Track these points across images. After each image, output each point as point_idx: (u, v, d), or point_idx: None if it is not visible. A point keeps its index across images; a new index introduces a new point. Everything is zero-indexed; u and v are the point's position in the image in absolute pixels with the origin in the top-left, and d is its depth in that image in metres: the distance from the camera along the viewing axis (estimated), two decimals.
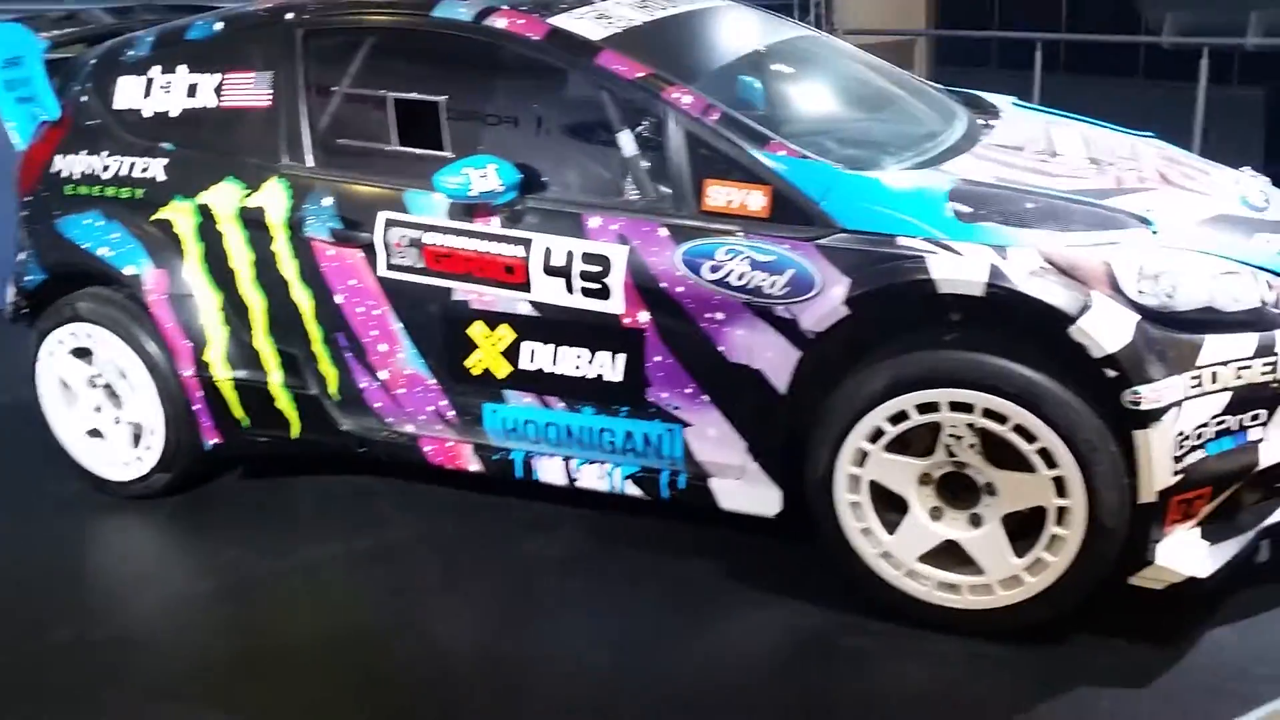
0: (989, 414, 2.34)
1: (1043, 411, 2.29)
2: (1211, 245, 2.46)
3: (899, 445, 2.46)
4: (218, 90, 3.20)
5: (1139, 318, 2.30)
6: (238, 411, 3.28)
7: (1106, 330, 2.24)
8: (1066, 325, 2.25)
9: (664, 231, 2.63)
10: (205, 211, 3.15)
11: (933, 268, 2.36)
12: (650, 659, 2.57)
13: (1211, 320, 2.35)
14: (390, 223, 2.91)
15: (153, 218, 3.23)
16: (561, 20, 2.84)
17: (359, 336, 3.06)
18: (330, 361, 3.15)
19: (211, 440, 3.32)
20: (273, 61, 3.12)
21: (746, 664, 2.57)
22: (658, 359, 2.71)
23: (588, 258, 2.70)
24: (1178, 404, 2.27)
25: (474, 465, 3.08)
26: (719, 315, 2.60)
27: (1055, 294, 2.27)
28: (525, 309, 2.80)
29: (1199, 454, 2.33)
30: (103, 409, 3.40)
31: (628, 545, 3.01)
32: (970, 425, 2.37)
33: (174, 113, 3.27)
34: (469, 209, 2.81)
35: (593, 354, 2.78)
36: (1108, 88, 8.06)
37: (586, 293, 2.72)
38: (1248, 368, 2.35)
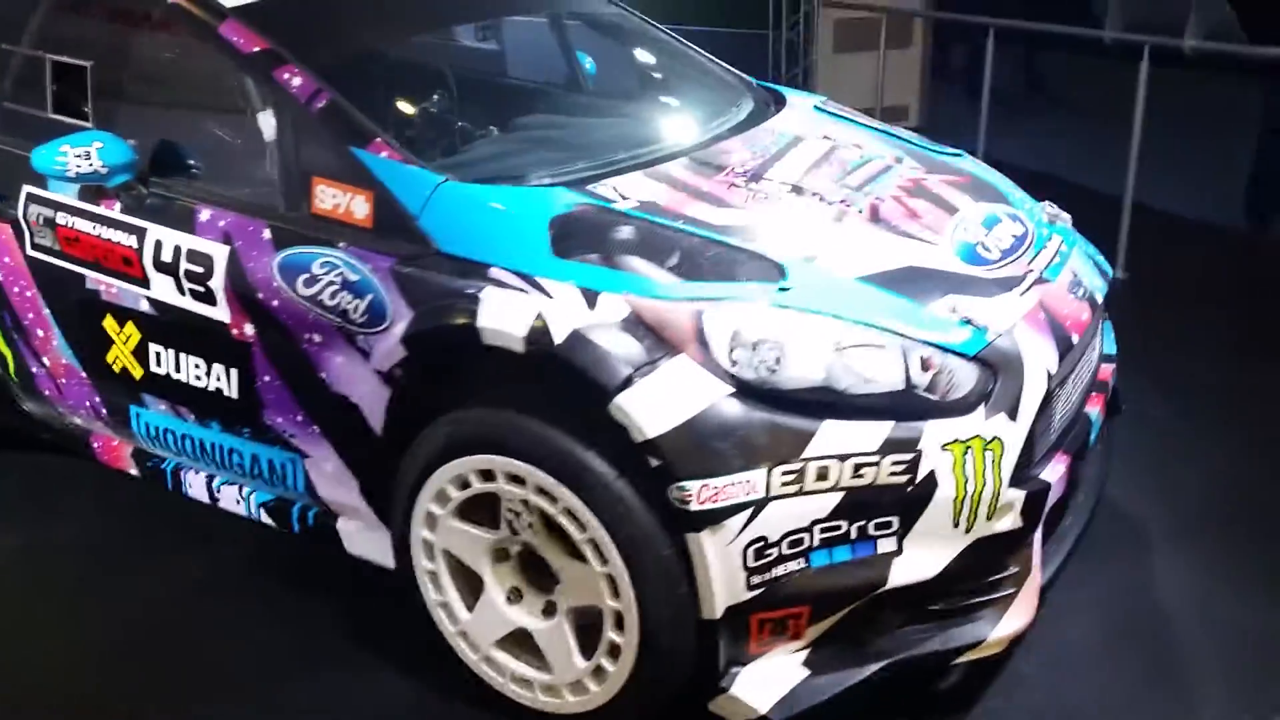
0: (542, 491, 1.95)
1: (587, 497, 1.89)
2: (861, 308, 2.00)
3: (474, 513, 2.09)
4: None
5: (728, 393, 1.86)
6: None
7: (649, 410, 1.81)
8: (605, 400, 1.83)
9: (267, 234, 2.29)
10: None
11: (482, 312, 1.96)
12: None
13: (832, 403, 1.90)
14: (30, 198, 2.64)
15: None
16: None
17: (20, 318, 2.82)
18: (3, 341, 2.92)
19: None
20: None
21: None
22: (267, 379, 2.38)
23: (192, 255, 2.38)
24: (755, 504, 1.84)
25: (133, 469, 2.81)
26: (316, 337, 2.25)
27: (594, 359, 1.85)
28: (146, 306, 2.51)
29: (794, 565, 1.89)
30: None
31: (278, 570, 2.71)
32: (526, 501, 1.98)
33: None
34: (98, 190, 2.52)
35: (208, 365, 2.47)
36: None
37: (195, 295, 2.40)
38: (871, 465, 1.89)
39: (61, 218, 2.59)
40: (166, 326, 2.49)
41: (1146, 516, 2.83)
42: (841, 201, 2.32)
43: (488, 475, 2.02)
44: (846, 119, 2.98)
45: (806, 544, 1.89)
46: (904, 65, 7.34)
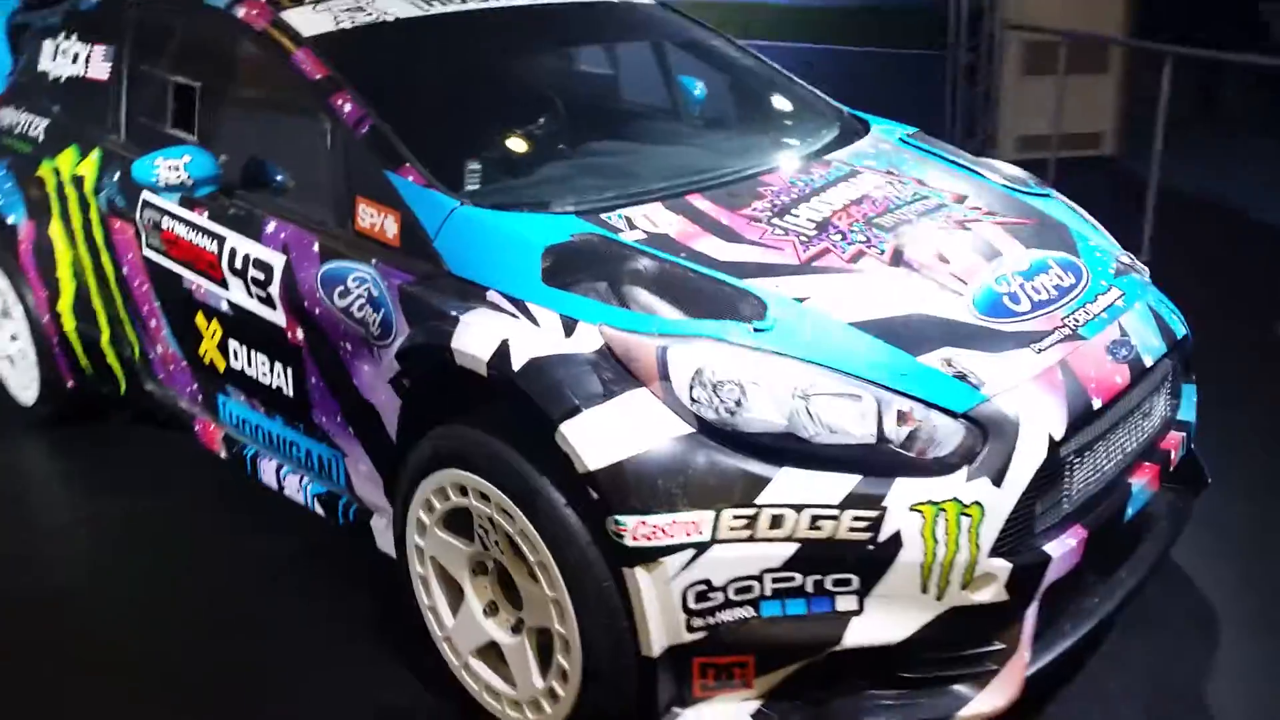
0: (504, 510, 1.99)
1: (537, 521, 1.91)
2: (842, 354, 1.92)
3: (458, 525, 2.16)
4: (87, 60, 3.38)
5: (684, 431, 1.84)
6: (83, 361, 3.50)
7: (591, 442, 1.81)
8: (552, 428, 1.85)
9: (316, 246, 2.46)
10: (57, 173, 3.36)
11: (457, 335, 2.02)
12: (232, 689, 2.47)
13: (795, 450, 1.84)
14: (145, 203, 2.95)
15: (33, 174, 3.49)
16: (292, 13, 2.70)
17: (139, 309, 3.15)
18: (131, 328, 3.27)
19: (69, 382, 3.57)
20: (115, 37, 3.24)
21: None
22: (313, 380, 2.56)
23: (257, 263, 2.59)
24: (698, 546, 1.80)
25: (223, 453, 3.08)
26: (348, 345, 2.40)
27: (545, 387, 1.87)
28: (226, 306, 2.74)
29: (742, 612, 1.84)
30: (17, 338, 3.76)
31: (334, 561, 2.89)
32: (492, 519, 2.03)
33: (62, 78, 3.50)
34: (192, 199, 2.78)
35: (271, 364, 2.68)
36: None
37: (260, 300, 2.61)
38: (830, 518, 1.81)
39: (166, 222, 2.88)
40: (241, 325, 2.72)
41: (1216, 602, 2.54)
42: (865, 241, 2.24)
43: (464, 490, 2.09)
44: (928, 151, 2.85)
45: (756, 592, 1.84)
46: (1099, 91, 6.89)
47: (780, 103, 3.13)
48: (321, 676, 2.47)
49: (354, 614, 2.67)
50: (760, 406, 1.85)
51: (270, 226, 2.58)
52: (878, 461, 1.84)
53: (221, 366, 2.86)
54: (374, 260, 2.34)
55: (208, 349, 2.89)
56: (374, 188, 2.37)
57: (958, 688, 1.92)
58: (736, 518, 1.81)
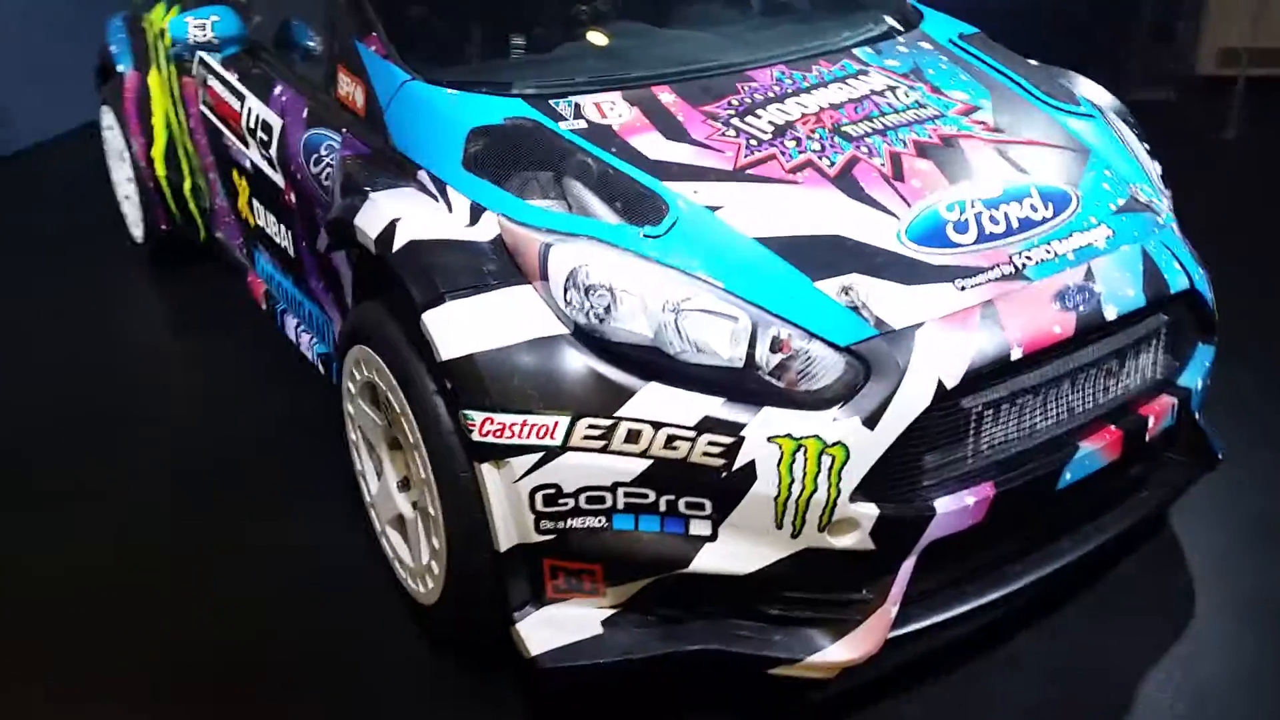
0: (393, 389, 2.02)
1: (413, 405, 1.93)
2: (732, 271, 1.80)
3: (377, 399, 2.22)
4: None
5: (553, 332, 1.79)
6: (172, 206, 3.77)
7: (450, 333, 1.79)
8: (416, 314, 1.84)
9: (305, 112, 2.52)
10: (151, 27, 3.57)
11: (361, 211, 2.02)
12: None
13: (661, 365, 1.76)
14: (200, 61, 3.10)
15: (141, 25, 3.72)
16: None
17: (204, 160, 3.35)
18: (203, 179, 3.48)
19: (163, 226, 3.87)
20: None
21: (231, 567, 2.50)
22: (304, 244, 2.66)
23: (264, 125, 2.68)
24: (548, 450, 1.77)
25: (264, 305, 3.27)
26: (321, 213, 2.47)
27: (416, 271, 1.85)
28: (249, 165, 2.87)
29: (593, 521, 1.81)
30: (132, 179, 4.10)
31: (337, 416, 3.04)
32: (389, 396, 2.06)
33: None
34: (226, 59, 2.89)
35: (278, 225, 2.80)
36: None
37: (267, 162, 2.71)
38: (686, 439, 1.74)
39: (210, 79, 3.02)
40: (259, 184, 2.85)
41: (1198, 586, 2.27)
42: (819, 150, 2.06)
43: (370, 364, 2.13)
44: (974, 56, 2.57)
45: (608, 504, 1.80)
46: None
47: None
48: (277, 525, 2.62)
49: (332, 472, 2.82)
50: (629, 316, 1.77)
51: (277, 89, 2.66)
52: (744, 387, 1.74)
53: (252, 223, 3.02)
54: (344, 130, 2.37)
55: (242, 205, 3.05)
56: (348, 56, 2.38)
57: (812, 632, 1.83)
58: (592, 427, 1.76)
